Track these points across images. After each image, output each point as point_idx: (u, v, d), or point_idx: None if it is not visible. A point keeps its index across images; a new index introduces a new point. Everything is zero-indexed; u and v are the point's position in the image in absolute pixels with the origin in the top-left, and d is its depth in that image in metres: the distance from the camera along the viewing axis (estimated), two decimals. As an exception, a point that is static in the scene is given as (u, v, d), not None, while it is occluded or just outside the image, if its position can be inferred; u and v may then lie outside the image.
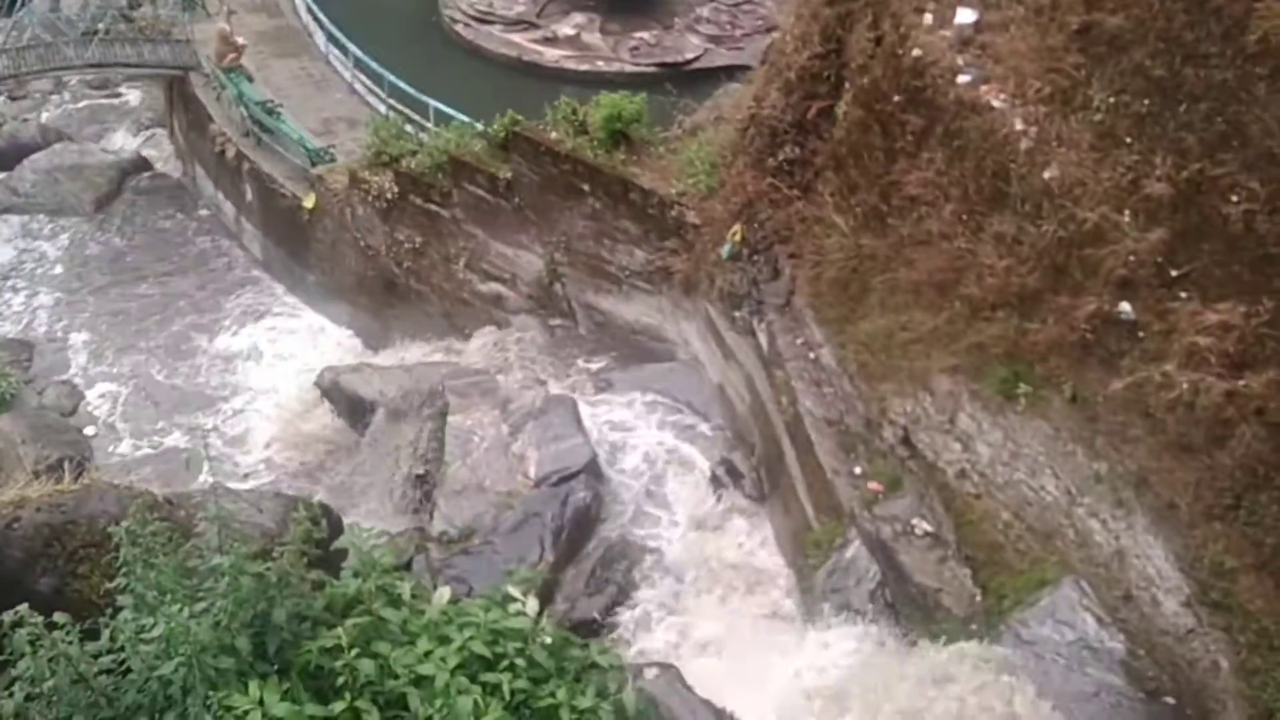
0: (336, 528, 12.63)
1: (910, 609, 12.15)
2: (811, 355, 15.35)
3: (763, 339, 16.06)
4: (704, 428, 16.24)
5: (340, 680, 8.76)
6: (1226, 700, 10.00)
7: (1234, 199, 10.48)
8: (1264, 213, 10.23)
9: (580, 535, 14.29)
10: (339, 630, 9.05)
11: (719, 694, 11.40)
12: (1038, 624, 10.94)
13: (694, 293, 17.61)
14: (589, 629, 13.01)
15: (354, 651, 8.85)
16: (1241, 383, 10.05)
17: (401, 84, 23.76)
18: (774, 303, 16.42)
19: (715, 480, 15.33)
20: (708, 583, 13.90)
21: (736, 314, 16.58)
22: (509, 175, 19.37)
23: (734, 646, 12.76)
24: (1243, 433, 10.01)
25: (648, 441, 16.11)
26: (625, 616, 13.46)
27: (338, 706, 8.64)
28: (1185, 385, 10.25)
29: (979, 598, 11.83)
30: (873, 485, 13.50)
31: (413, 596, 10.38)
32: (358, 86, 26.17)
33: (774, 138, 16.54)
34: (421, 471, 15.06)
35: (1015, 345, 12.13)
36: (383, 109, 24.68)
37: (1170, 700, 10.25)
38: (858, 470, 13.76)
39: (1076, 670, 10.58)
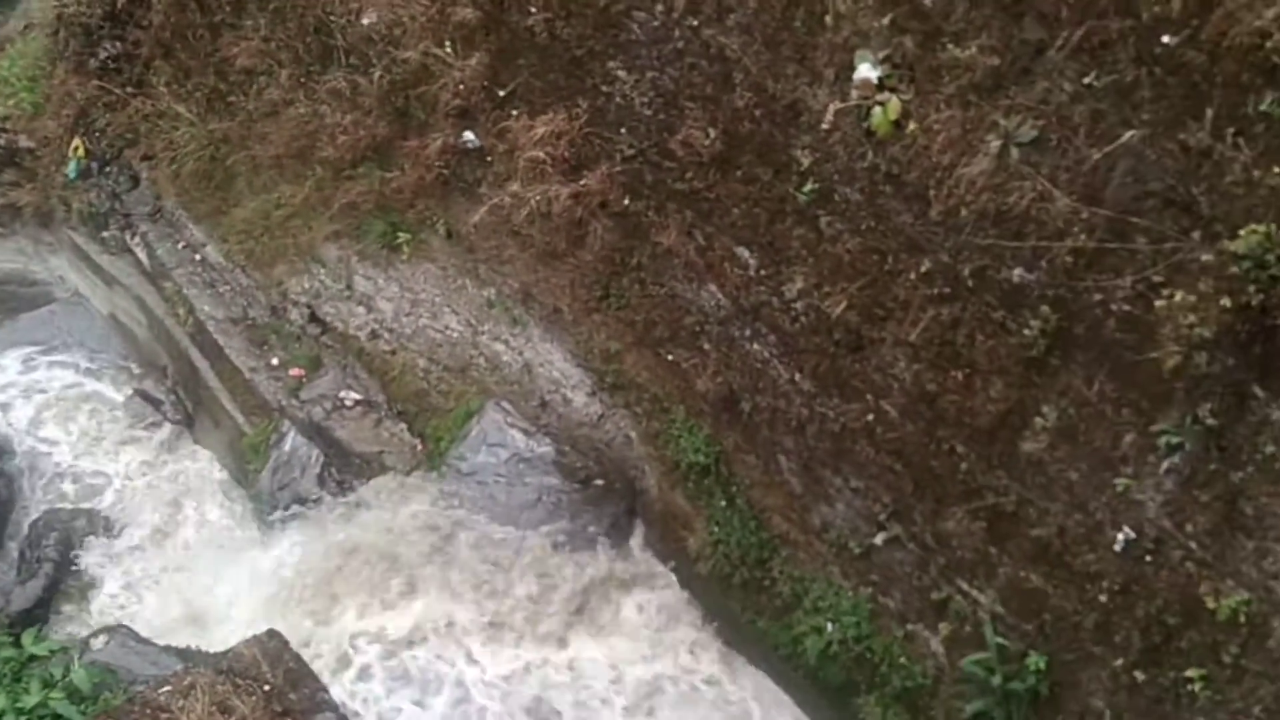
0: None
1: (360, 479, 12.20)
2: (197, 257, 14.52)
3: (141, 254, 14.91)
4: (105, 364, 14.97)
5: None
6: (643, 465, 11.14)
7: (533, 10, 10.95)
8: (560, 19, 10.80)
9: (-4, 523, 12.76)
10: None
11: (189, 632, 10.88)
12: (473, 454, 11.44)
13: (52, 223, 15.86)
14: (34, 616, 11.75)
15: None
16: (582, 183, 10.78)
17: None
18: (142, 212, 15.23)
19: (133, 414, 14.24)
20: (154, 522, 13.05)
21: (105, 234, 15.20)
22: None
23: (195, 576, 12.16)
24: (594, 229, 10.84)
25: (48, 397, 14.58)
26: (72, 589, 12.32)
27: None
28: (536, 198, 10.84)
29: (419, 447, 12.15)
30: (294, 372, 13.24)
31: None
32: None
33: (89, 36, 14.97)
34: None
35: (383, 197, 12.21)
36: None
37: (600, 482, 11.21)
38: (275, 361, 13.40)
39: (517, 484, 11.25)
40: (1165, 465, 7.68)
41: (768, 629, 9.94)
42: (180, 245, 14.66)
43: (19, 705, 8.88)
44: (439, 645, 10.38)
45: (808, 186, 9.30)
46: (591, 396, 11.49)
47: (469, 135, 11.50)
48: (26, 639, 9.80)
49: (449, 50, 11.43)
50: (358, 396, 12.73)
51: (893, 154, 8.75)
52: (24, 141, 15.86)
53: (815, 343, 9.44)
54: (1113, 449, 7.89)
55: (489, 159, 11.48)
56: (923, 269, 8.71)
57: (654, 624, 10.69)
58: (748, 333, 10.03)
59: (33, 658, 9.66)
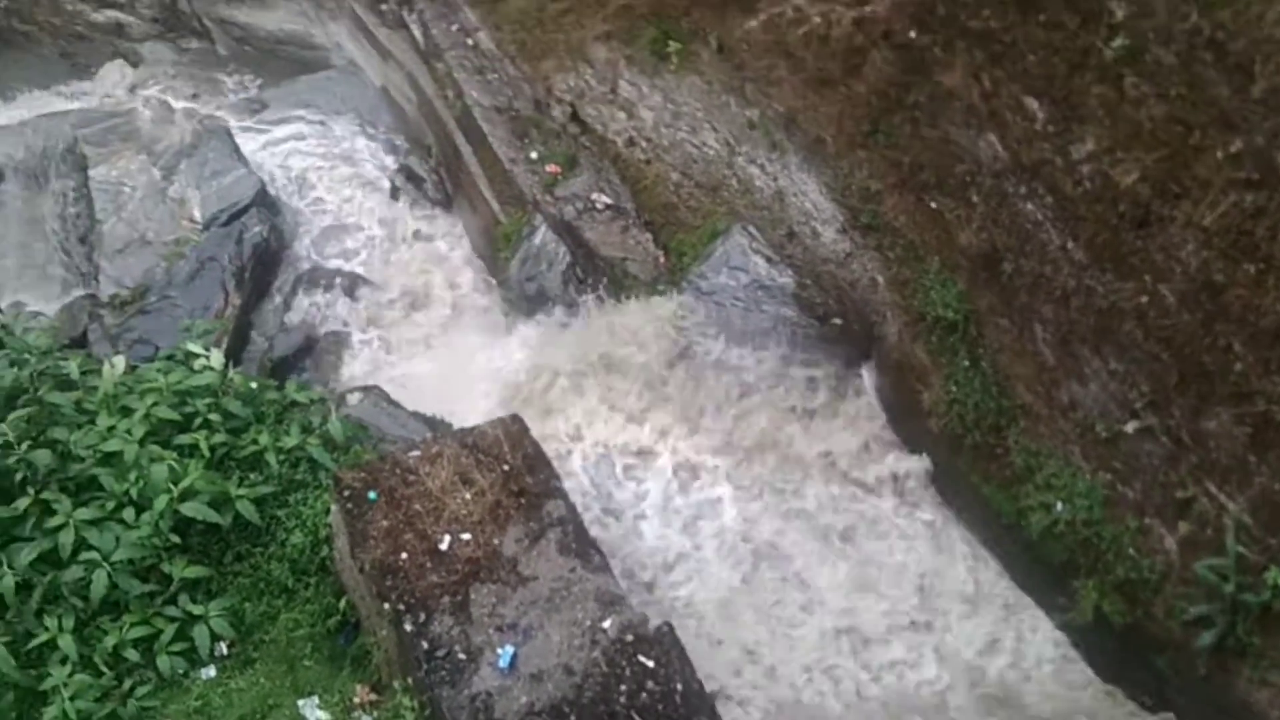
0: (-12, 318, 11.58)
1: (602, 283, 12.46)
2: (469, 41, 14.75)
3: (416, 31, 15.24)
4: (374, 136, 15.58)
5: (19, 476, 8.36)
6: (885, 311, 10.93)
7: None
8: None
9: (265, 271, 13.66)
10: (3, 427, 8.55)
11: (431, 401, 11.55)
12: (714, 274, 11.47)
13: (334, -11, 16.36)
14: (292, 364, 12.70)
15: (24, 445, 8.42)
16: (868, 9, 10.31)
17: None
18: (421, -11, 15.52)
19: (395, 189, 14.85)
20: (406, 293, 13.71)
21: (384, 6, 15.61)
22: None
23: (441, 352, 12.82)
24: (873, 59, 10.41)
25: (316, 160, 15.33)
26: (328, 344, 13.18)
27: (23, 503, 8.27)
28: (817, 18, 10.44)
29: (662, 259, 12.26)
30: (550, 168, 13.46)
31: (84, 373, 9.79)
32: None
33: None
34: (74, 236, 13.83)
35: (659, 3, 12.00)
36: None
37: (838, 321, 11.10)
38: (534, 155, 13.64)
39: (754, 310, 11.26)
40: None
41: (992, 496, 9.80)
42: (454, 28, 14.90)
43: (279, 444, 9.65)
44: (669, 459, 10.69)
45: (1117, 41, 8.65)
46: (842, 234, 11.27)
47: (757, -55, 11.13)
48: (290, 386, 10.60)
49: None
50: (608, 201, 12.87)
51: (1220, 19, 7.99)
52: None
53: (1097, 211, 8.92)
54: None
55: (774, -28, 11.10)
56: (1232, 149, 8.06)
57: (873, 466, 10.68)
58: (1023, 190, 9.55)
59: (294, 404, 10.46)
